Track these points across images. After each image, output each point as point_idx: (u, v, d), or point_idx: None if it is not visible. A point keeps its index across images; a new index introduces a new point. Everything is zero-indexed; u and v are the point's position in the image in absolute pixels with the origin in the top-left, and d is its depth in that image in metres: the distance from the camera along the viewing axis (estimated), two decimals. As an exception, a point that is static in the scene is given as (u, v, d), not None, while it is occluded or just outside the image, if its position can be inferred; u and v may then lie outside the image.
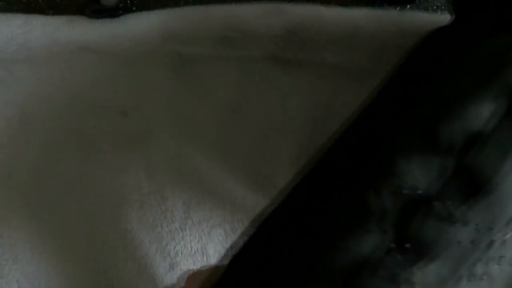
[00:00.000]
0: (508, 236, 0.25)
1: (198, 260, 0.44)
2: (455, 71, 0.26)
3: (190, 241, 0.44)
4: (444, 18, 0.47)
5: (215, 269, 0.33)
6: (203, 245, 0.44)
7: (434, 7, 0.48)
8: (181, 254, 0.44)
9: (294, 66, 0.48)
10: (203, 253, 0.44)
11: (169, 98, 0.47)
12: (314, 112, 0.47)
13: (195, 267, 0.44)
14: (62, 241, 0.45)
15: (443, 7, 0.48)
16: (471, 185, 0.24)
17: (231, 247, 0.45)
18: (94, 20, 0.45)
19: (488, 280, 0.25)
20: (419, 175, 0.25)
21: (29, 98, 0.46)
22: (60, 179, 0.45)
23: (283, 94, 0.47)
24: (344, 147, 0.29)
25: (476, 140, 0.24)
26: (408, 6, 0.48)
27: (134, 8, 0.47)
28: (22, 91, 0.46)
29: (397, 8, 0.47)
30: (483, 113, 0.24)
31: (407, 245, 0.24)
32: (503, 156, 0.24)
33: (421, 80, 0.28)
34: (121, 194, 0.45)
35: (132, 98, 0.46)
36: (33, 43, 0.45)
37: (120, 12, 0.46)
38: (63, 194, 0.45)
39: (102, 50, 0.46)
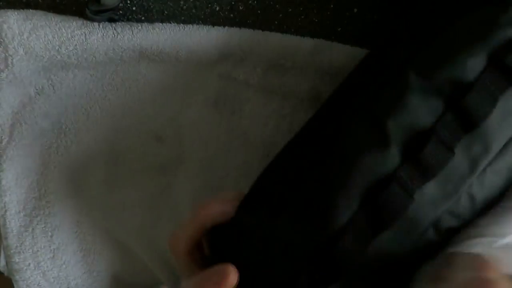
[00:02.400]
0: (499, 166, 0.32)
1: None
2: (448, 31, 0.32)
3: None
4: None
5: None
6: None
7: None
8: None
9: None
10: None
11: (205, 132, 0.46)
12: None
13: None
14: (85, 253, 0.47)
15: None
16: (464, 123, 0.31)
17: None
18: (155, 25, 0.43)
19: (482, 196, 0.32)
20: (422, 110, 0.31)
21: (67, 110, 0.45)
22: (85, 191, 0.46)
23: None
24: (361, 83, 0.35)
25: (467, 86, 0.31)
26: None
27: (134, 8, 0.45)
28: (62, 103, 0.45)
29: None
30: (468, 65, 0.31)
31: (417, 166, 0.30)
32: (491, 98, 0.31)
33: (421, 37, 0.34)
34: (144, 212, 0.47)
35: (169, 125, 0.46)
36: (90, 45, 0.42)
37: (120, 12, 0.44)
38: (87, 206, 0.46)
39: (159, 58, 0.44)
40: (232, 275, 0.29)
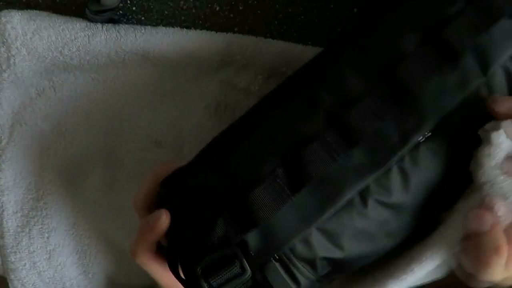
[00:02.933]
0: (435, 145, 0.32)
1: None
2: (392, 13, 0.34)
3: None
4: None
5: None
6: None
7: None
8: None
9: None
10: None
11: (205, 138, 0.46)
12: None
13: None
14: (81, 255, 0.47)
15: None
16: (397, 94, 0.31)
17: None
18: (158, 29, 0.43)
19: (418, 178, 0.32)
20: (356, 81, 0.32)
21: (67, 112, 0.45)
22: (83, 194, 0.46)
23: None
24: (308, 68, 0.37)
25: (401, 58, 0.32)
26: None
27: (134, 8, 0.45)
28: (62, 105, 0.45)
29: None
30: (405, 38, 0.32)
31: (342, 130, 0.31)
32: (425, 71, 0.31)
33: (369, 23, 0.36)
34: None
35: (169, 131, 0.46)
36: (93, 47, 0.42)
37: (120, 12, 0.44)
38: (85, 209, 0.46)
39: (161, 63, 0.44)
40: (164, 218, 0.32)
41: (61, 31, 0.42)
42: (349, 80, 0.32)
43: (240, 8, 0.45)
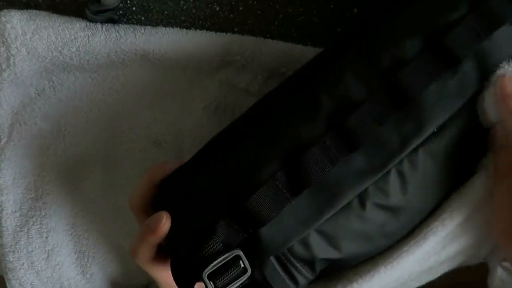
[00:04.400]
0: (433, 148, 0.32)
1: None
2: (394, 19, 0.34)
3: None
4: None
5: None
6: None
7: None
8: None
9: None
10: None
11: (204, 138, 0.46)
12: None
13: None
14: (79, 255, 0.47)
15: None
16: (397, 99, 0.32)
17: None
18: (158, 29, 0.43)
19: (415, 180, 0.32)
20: (357, 86, 0.32)
21: (66, 112, 0.45)
22: (82, 194, 0.46)
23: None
24: (307, 69, 0.37)
25: (402, 64, 0.32)
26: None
27: (134, 8, 0.45)
28: (62, 105, 0.45)
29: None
30: (406, 45, 0.32)
31: (342, 135, 0.31)
32: (426, 77, 0.32)
33: (368, 26, 0.36)
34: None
35: (169, 131, 0.46)
36: (93, 47, 0.42)
37: (120, 12, 0.44)
38: (84, 209, 0.46)
39: (161, 63, 0.44)
40: (165, 221, 0.32)
41: (61, 31, 0.42)
42: (350, 84, 0.32)
43: (240, 8, 0.46)
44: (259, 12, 0.46)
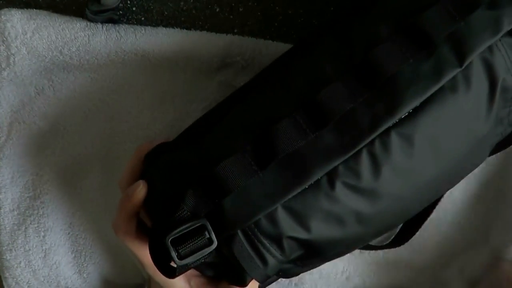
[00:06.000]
0: (407, 130, 0.32)
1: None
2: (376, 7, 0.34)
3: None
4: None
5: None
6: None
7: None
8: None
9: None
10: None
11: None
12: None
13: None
14: (76, 254, 0.47)
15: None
16: (370, 77, 0.31)
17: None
18: (159, 30, 0.43)
19: (386, 159, 0.32)
20: (330, 65, 0.33)
21: (65, 112, 0.45)
22: (80, 194, 0.46)
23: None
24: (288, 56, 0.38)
25: (376, 45, 0.32)
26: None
27: (134, 9, 0.45)
28: (61, 104, 0.45)
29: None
30: (381, 27, 0.32)
31: (313, 111, 0.31)
32: (398, 58, 0.31)
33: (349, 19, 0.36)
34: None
35: (168, 131, 0.46)
36: (93, 47, 0.42)
37: (120, 12, 0.44)
38: (81, 209, 0.46)
39: (161, 63, 0.44)
40: (141, 187, 0.33)
41: (61, 30, 0.42)
42: (323, 65, 0.33)
43: (240, 9, 0.46)
44: (259, 13, 0.46)
